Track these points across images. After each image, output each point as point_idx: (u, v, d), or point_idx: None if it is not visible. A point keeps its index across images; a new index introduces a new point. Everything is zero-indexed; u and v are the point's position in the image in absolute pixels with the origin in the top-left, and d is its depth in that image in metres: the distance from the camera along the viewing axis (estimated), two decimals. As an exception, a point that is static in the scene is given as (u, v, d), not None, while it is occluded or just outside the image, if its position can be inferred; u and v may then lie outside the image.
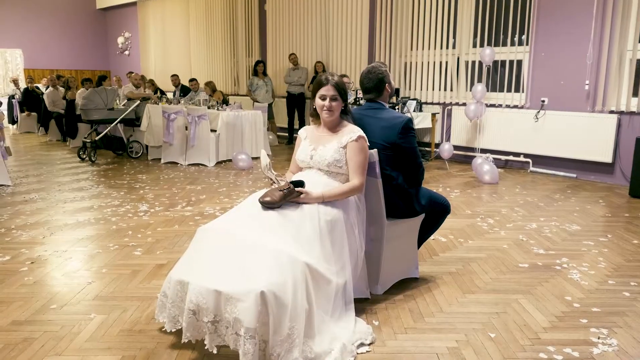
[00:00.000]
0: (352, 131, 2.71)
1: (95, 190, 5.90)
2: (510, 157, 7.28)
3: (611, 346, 2.45)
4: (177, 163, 7.73)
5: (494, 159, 6.78)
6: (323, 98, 2.71)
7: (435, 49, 8.03)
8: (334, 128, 2.78)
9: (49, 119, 10.71)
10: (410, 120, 2.92)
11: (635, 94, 6.17)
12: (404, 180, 2.94)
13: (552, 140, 6.73)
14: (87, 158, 7.97)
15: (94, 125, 8.23)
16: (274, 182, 2.58)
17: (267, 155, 2.53)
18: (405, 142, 2.87)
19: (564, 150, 6.65)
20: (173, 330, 2.37)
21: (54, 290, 3.08)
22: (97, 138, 8.22)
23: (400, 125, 2.86)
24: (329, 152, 2.69)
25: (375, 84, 2.95)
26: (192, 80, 9.45)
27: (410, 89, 8.43)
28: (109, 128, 8.24)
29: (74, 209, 5.01)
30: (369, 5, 8.76)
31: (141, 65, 14.91)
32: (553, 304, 2.91)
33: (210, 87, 9.00)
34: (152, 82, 10.05)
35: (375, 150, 2.82)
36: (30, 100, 12.04)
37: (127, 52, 15.74)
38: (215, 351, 2.18)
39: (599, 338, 2.52)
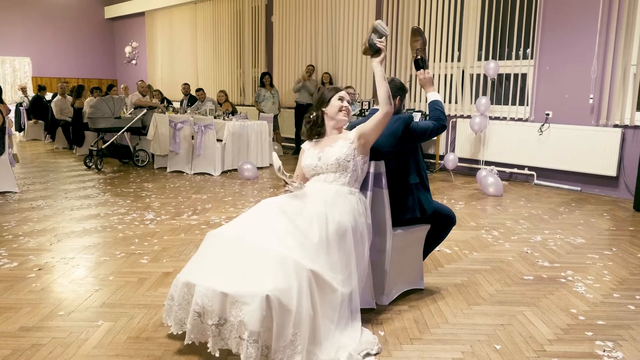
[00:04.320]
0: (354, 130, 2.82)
1: (101, 198, 5.94)
2: (515, 170, 7.30)
3: (616, 359, 2.45)
4: (183, 172, 7.77)
5: (498, 171, 6.80)
6: (342, 100, 2.82)
7: (440, 61, 8.08)
8: (339, 132, 2.87)
9: (55, 126, 10.80)
10: (408, 118, 2.94)
11: (639, 108, 6.19)
12: (416, 173, 3.02)
13: (557, 153, 6.75)
14: (93, 166, 8.03)
15: (100, 133, 8.30)
16: (287, 184, 2.65)
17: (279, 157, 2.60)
18: (413, 139, 2.94)
19: (569, 164, 6.66)
20: (179, 332, 2.41)
21: (61, 297, 3.10)
22: (103, 146, 8.29)
23: (401, 130, 2.91)
24: (337, 148, 2.75)
25: None
26: (198, 90, 9.53)
27: (415, 101, 8.47)
28: (116, 136, 8.31)
29: (80, 217, 5.05)
30: (375, 17, 8.84)
31: (148, 75, 15.04)
32: (558, 317, 2.91)
33: (224, 95, 9.13)
34: (159, 92, 10.14)
35: (382, 162, 2.86)
36: (37, 108, 12.14)
37: (134, 62, 15.88)
38: (217, 354, 2.21)
39: (604, 351, 2.53)
